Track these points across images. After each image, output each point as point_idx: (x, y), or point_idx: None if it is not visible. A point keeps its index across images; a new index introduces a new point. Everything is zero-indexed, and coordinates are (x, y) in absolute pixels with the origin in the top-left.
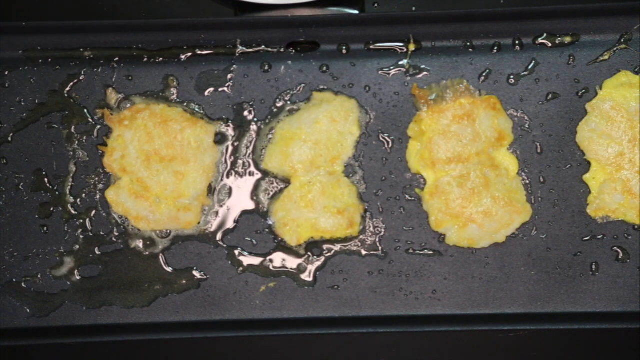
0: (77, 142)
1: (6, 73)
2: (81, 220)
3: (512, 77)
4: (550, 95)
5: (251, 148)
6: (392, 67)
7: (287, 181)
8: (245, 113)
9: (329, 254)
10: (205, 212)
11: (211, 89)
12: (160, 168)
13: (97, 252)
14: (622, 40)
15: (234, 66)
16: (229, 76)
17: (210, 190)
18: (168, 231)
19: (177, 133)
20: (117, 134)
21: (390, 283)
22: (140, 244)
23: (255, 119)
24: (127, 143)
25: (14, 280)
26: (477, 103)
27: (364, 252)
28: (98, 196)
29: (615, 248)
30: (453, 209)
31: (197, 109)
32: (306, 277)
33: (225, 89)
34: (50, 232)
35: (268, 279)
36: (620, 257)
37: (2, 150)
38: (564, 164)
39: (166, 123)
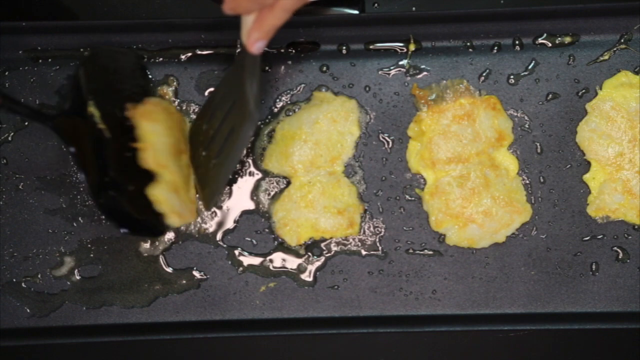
0: None
1: (6, 73)
2: (82, 220)
3: (512, 77)
4: (550, 95)
5: (251, 148)
6: (392, 67)
7: (287, 181)
8: None
9: (329, 254)
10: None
11: (211, 89)
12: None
13: (97, 252)
14: (622, 40)
15: None
16: None
17: None
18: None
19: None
20: (144, 128)
21: (390, 283)
22: (141, 244)
23: None
24: (155, 137)
25: (14, 280)
26: (477, 103)
27: (364, 252)
28: None
29: (615, 248)
30: (453, 209)
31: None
32: (306, 277)
33: None
34: (51, 232)
35: (268, 279)
36: (620, 257)
37: (2, 150)
38: (564, 164)
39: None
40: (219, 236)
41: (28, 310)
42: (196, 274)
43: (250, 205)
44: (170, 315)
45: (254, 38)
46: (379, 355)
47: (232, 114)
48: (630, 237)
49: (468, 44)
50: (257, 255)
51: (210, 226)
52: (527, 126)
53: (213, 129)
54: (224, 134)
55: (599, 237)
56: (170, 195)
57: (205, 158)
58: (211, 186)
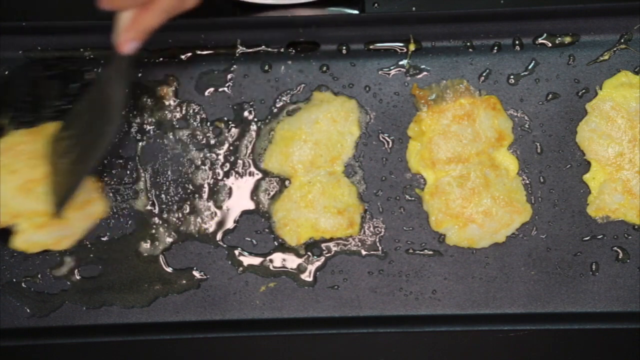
0: None
1: (6, 73)
2: None
3: (512, 77)
4: (550, 95)
5: (251, 148)
6: (392, 67)
7: (287, 180)
8: (245, 113)
9: (329, 254)
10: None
11: (211, 89)
12: None
13: (97, 252)
14: (622, 40)
15: (234, 66)
16: (229, 76)
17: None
18: (168, 231)
19: None
20: None
21: (390, 283)
22: (141, 244)
23: (255, 119)
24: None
25: (14, 280)
26: (477, 103)
27: (364, 252)
28: None
29: (615, 248)
30: (453, 209)
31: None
32: (306, 277)
33: (225, 89)
34: None
35: (268, 279)
36: (620, 257)
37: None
38: (564, 164)
39: None
40: (219, 236)
41: (28, 310)
42: (196, 274)
43: (250, 205)
44: (170, 315)
45: (127, 37)
46: (379, 355)
47: (96, 118)
48: (630, 237)
49: (468, 44)
50: (257, 255)
51: (210, 226)
52: (527, 126)
53: (75, 134)
54: (86, 139)
55: (599, 237)
56: (37, 236)
57: (63, 164)
58: (63, 192)
